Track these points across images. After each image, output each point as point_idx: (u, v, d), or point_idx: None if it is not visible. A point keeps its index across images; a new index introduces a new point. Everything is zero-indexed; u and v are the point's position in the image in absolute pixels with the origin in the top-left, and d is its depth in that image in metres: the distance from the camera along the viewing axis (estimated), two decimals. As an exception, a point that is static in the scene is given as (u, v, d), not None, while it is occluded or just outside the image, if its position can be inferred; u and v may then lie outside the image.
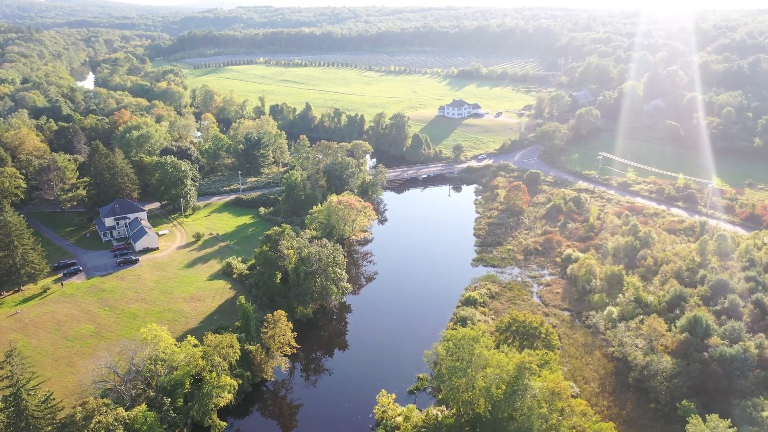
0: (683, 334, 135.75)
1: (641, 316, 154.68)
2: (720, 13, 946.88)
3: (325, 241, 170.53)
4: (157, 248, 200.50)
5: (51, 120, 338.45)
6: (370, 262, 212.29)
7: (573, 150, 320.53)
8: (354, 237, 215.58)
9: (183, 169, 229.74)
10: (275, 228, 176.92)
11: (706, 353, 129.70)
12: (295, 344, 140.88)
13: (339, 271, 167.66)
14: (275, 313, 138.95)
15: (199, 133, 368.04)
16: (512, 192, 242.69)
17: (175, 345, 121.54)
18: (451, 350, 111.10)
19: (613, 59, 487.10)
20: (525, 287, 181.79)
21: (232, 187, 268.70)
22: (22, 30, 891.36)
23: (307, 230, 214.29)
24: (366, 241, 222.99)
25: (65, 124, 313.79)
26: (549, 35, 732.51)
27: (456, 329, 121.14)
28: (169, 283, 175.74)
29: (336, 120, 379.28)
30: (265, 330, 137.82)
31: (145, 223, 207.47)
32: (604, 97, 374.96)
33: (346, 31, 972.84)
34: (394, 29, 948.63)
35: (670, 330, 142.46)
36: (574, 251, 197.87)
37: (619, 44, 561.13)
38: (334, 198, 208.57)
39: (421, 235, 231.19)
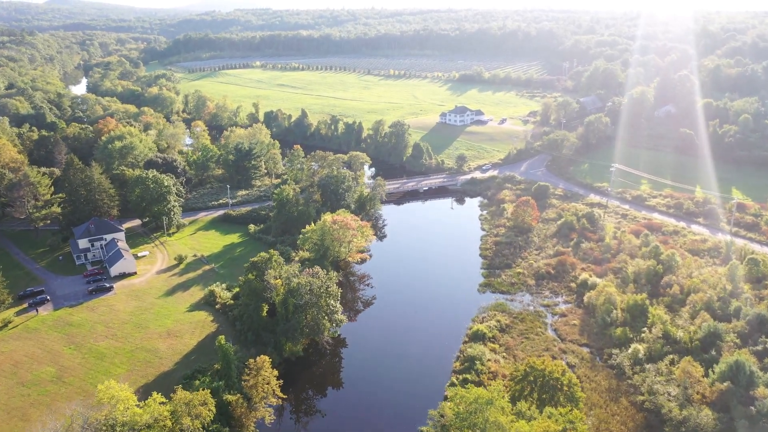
0: (724, 383, 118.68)
1: (671, 356, 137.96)
2: (724, 15, 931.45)
3: (317, 269, 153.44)
4: (135, 273, 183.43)
5: (34, 128, 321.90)
6: (367, 285, 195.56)
7: (582, 160, 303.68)
8: (350, 259, 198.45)
9: (166, 184, 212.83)
10: (262, 254, 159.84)
11: (752, 407, 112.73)
12: (281, 394, 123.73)
13: (333, 303, 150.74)
14: (258, 359, 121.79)
15: (190, 141, 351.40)
16: (520, 207, 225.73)
17: (138, 405, 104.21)
18: (462, 415, 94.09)
19: (620, 63, 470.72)
20: (538, 318, 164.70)
21: (220, 201, 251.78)
22: (15, 33, 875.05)
23: (299, 251, 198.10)
24: (363, 261, 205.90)
25: (46, 133, 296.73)
26: (552, 38, 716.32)
27: (466, 386, 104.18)
28: (145, 315, 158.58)
29: (333, 127, 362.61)
30: (247, 378, 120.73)
31: (122, 244, 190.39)
32: (613, 104, 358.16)
33: (345, 34, 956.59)
34: (394, 32, 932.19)
35: (706, 375, 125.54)
36: (590, 276, 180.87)
37: (625, 47, 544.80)
38: (328, 217, 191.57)
39: (423, 255, 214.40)
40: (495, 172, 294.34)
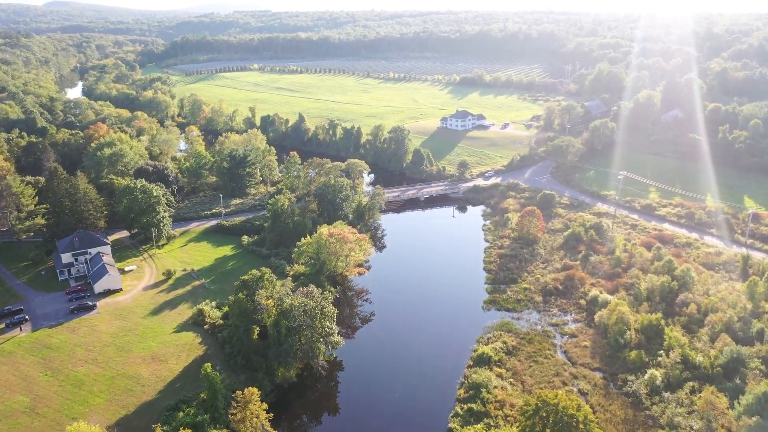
0: (753, 418, 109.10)
1: (691, 383, 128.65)
2: (727, 17, 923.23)
3: (311, 288, 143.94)
4: (120, 290, 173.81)
5: (23, 134, 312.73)
6: (366, 300, 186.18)
7: (587, 166, 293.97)
8: (348, 273, 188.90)
9: (155, 194, 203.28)
10: (253, 272, 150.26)
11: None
12: (270, 429, 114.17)
13: (328, 324, 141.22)
14: (246, 391, 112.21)
15: (185, 146, 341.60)
16: (525, 218, 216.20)
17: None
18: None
19: (623, 66, 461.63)
20: (546, 338, 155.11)
21: (213, 211, 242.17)
22: (11, 35, 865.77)
23: (294, 265, 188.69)
24: (362, 275, 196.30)
25: (35, 140, 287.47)
26: (553, 40, 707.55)
27: (471, 421, 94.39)
28: (128, 337, 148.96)
29: (331, 132, 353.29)
30: (234, 412, 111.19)
31: (107, 259, 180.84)
32: (618, 108, 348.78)
33: (344, 36, 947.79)
34: (393, 34, 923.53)
35: (731, 407, 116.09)
36: (600, 292, 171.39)
37: (628, 50, 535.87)
38: (324, 230, 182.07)
39: (425, 267, 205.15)
40: (498, 180, 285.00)
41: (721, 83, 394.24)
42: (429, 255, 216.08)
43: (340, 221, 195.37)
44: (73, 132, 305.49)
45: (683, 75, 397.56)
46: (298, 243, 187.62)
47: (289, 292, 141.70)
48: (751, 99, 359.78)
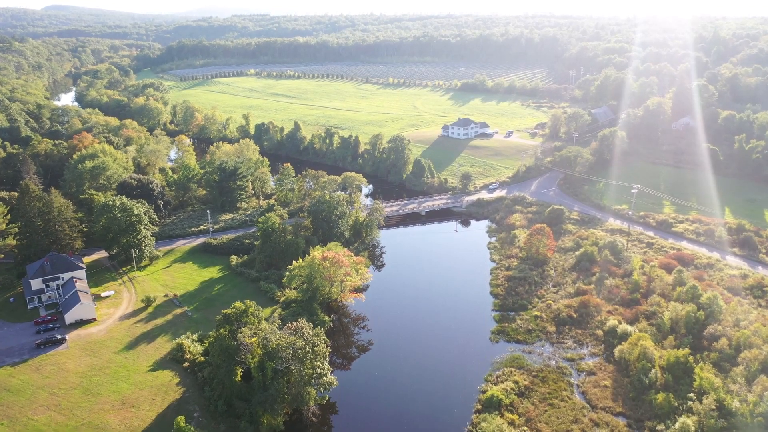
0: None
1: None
2: (732, 20, 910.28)
3: (301, 323, 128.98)
4: (94, 320, 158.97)
5: (6, 144, 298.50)
6: (363, 327, 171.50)
7: (597, 178, 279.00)
8: (343, 299, 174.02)
9: (135, 212, 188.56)
10: (237, 304, 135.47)
11: None
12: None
13: (320, 364, 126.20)
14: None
15: (176, 155, 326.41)
16: (534, 236, 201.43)
17: None
18: None
19: (630, 71, 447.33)
20: (562, 376, 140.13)
21: (201, 227, 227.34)
22: (5, 40, 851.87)
23: (285, 289, 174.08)
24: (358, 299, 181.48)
25: (15, 150, 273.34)
26: (556, 44, 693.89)
27: None
28: (98, 377, 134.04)
29: (327, 141, 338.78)
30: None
31: (81, 285, 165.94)
32: (628, 116, 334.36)
33: (343, 41, 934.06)
34: (393, 38, 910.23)
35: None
36: (619, 322, 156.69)
37: (634, 54, 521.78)
38: (317, 253, 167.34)
39: (426, 289, 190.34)
40: (503, 192, 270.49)
41: (732, 89, 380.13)
42: (431, 275, 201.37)
43: (335, 243, 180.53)
44: (57, 142, 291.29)
45: (692, 81, 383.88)
46: (289, 267, 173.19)
47: (276, 330, 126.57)
48: (765, 106, 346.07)
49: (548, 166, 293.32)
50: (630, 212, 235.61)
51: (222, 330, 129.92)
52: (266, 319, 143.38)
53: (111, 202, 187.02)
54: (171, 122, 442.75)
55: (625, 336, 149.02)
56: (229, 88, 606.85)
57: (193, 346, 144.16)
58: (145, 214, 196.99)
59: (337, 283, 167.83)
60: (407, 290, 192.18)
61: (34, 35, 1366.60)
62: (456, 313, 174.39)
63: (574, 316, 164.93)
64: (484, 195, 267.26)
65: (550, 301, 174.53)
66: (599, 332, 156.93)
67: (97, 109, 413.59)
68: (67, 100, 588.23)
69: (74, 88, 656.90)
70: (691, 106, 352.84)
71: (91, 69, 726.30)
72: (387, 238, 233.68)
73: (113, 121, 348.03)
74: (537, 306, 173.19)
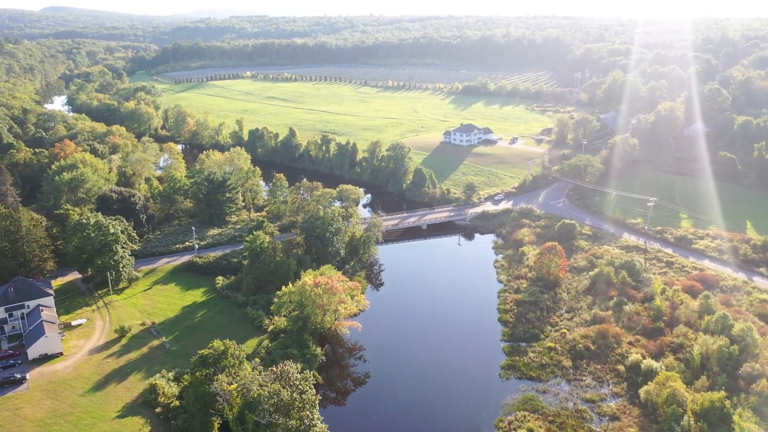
0: None
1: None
2: (736, 21, 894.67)
3: (287, 366, 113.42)
4: (61, 354, 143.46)
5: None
6: (359, 358, 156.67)
7: (608, 189, 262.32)
8: (337, 327, 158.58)
9: (112, 231, 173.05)
10: (215, 344, 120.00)
11: None
12: None
13: (309, 414, 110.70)
14: None
15: (164, 163, 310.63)
16: (545, 255, 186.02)
17: None
18: None
19: (638, 74, 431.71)
20: (582, 422, 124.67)
21: (186, 244, 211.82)
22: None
23: (274, 317, 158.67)
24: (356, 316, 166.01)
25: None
26: (559, 46, 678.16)
27: None
28: (59, 426, 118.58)
29: (324, 148, 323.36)
30: None
31: (48, 314, 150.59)
32: (638, 122, 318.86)
33: (341, 42, 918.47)
34: (392, 40, 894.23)
35: None
36: (643, 356, 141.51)
37: (641, 56, 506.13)
38: (308, 278, 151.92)
39: (428, 313, 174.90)
40: (509, 204, 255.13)
41: (745, 93, 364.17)
42: (433, 298, 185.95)
43: (329, 266, 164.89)
44: (37, 150, 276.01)
45: (704, 84, 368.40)
46: (278, 292, 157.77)
47: (257, 377, 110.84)
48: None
49: (555, 175, 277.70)
50: (646, 227, 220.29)
51: (198, 373, 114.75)
52: (249, 358, 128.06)
53: (84, 220, 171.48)
54: (163, 127, 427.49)
55: (650, 373, 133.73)
56: (225, 91, 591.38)
57: (168, 386, 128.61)
58: (123, 232, 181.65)
59: (330, 312, 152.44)
60: (408, 314, 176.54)
61: (30, 36, 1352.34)
62: (461, 342, 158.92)
63: (592, 348, 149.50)
64: (489, 207, 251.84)
65: (565, 330, 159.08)
66: (621, 367, 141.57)
67: (84, 115, 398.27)
68: (59, 103, 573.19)
69: (66, 91, 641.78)
70: (704, 110, 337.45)
71: (83, 71, 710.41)
72: (386, 254, 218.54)
73: (100, 128, 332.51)
74: (550, 335, 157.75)
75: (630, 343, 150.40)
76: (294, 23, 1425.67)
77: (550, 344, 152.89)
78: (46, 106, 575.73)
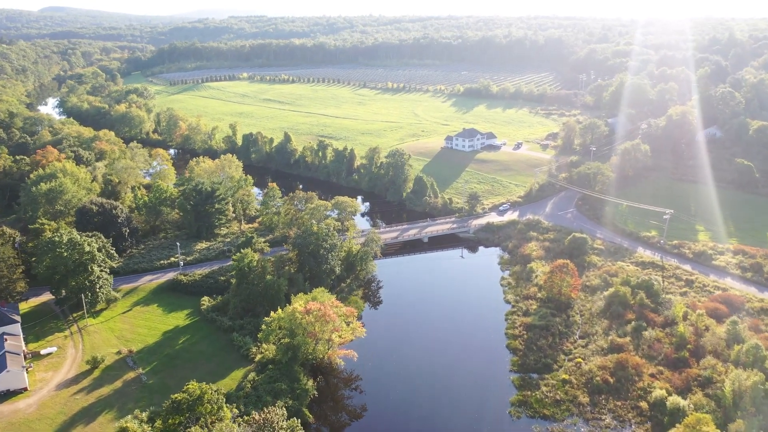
0: None
1: None
2: (742, 21, 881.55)
3: (271, 414, 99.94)
4: (25, 389, 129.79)
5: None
6: (354, 389, 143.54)
7: (619, 198, 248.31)
8: (331, 356, 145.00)
9: (87, 250, 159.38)
10: (190, 387, 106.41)
11: None
12: None
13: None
14: None
15: (153, 169, 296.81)
16: (556, 274, 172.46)
17: None
18: None
19: (646, 76, 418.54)
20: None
21: (172, 259, 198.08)
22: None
23: (263, 344, 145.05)
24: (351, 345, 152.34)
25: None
26: (562, 47, 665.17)
27: None
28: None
29: (320, 154, 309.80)
30: None
31: (12, 343, 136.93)
32: (649, 126, 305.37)
33: (340, 43, 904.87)
34: (392, 40, 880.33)
35: None
36: (668, 392, 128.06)
37: (647, 57, 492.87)
38: (299, 304, 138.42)
39: (430, 340, 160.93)
40: (515, 215, 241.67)
41: (759, 96, 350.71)
42: (435, 319, 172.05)
43: (321, 289, 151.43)
44: (18, 157, 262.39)
45: (714, 87, 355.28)
46: (266, 318, 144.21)
47: (235, 430, 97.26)
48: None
49: (563, 183, 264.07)
50: (662, 241, 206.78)
51: (171, 420, 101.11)
52: (231, 399, 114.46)
53: (57, 238, 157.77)
54: (155, 131, 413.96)
55: (676, 413, 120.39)
56: (220, 93, 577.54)
57: (140, 430, 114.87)
58: (100, 250, 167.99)
59: (323, 342, 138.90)
60: (408, 338, 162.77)
61: (27, 37, 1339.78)
62: (466, 373, 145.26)
63: (611, 381, 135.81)
64: (494, 218, 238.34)
65: (580, 359, 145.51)
66: (643, 404, 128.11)
67: (71, 119, 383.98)
68: (52, 105, 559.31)
69: (57, 93, 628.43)
70: (716, 115, 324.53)
71: (76, 73, 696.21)
72: (385, 269, 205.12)
73: (87, 133, 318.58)
74: (564, 366, 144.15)
75: (652, 375, 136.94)
76: (293, 23, 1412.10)
77: (564, 376, 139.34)
78: (39, 108, 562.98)
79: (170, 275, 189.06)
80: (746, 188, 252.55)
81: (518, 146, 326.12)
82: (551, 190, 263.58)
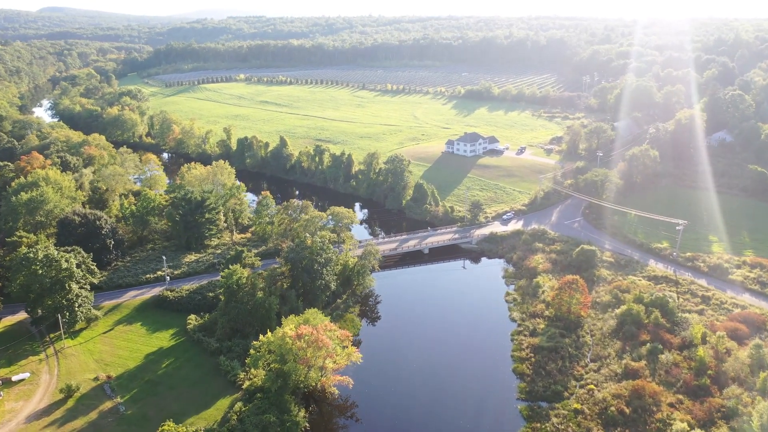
0: None
1: None
2: (745, 21, 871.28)
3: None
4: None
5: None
6: (350, 417, 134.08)
7: (627, 207, 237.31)
8: (324, 384, 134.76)
9: (65, 266, 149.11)
10: (167, 428, 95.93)
11: None
12: None
13: None
14: None
15: (143, 176, 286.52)
16: (565, 291, 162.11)
17: None
18: None
19: (651, 78, 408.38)
20: None
21: (158, 273, 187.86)
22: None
23: (252, 369, 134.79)
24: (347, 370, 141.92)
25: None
26: (564, 47, 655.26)
27: None
28: None
29: (317, 160, 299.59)
30: None
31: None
32: (657, 131, 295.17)
33: (339, 44, 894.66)
34: (392, 41, 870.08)
35: None
36: (690, 426, 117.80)
37: (652, 59, 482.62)
38: (289, 328, 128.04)
39: (431, 362, 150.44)
40: (519, 224, 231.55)
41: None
42: (437, 339, 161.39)
43: (314, 310, 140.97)
44: (2, 164, 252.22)
45: (722, 89, 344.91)
46: (254, 343, 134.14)
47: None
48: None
49: (570, 192, 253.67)
50: (674, 253, 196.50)
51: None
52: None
53: (32, 254, 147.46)
54: (148, 134, 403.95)
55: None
56: (216, 95, 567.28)
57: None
58: (79, 265, 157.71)
59: (315, 368, 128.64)
60: (408, 361, 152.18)
61: (24, 38, 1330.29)
62: (471, 400, 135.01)
63: (627, 411, 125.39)
64: (498, 228, 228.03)
65: (592, 386, 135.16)
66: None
67: (61, 122, 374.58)
68: (46, 107, 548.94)
69: (49, 95, 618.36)
70: (726, 118, 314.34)
71: (70, 74, 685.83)
72: (383, 282, 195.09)
73: (76, 137, 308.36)
74: (575, 393, 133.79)
75: (671, 405, 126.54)
76: (291, 24, 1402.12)
77: (576, 405, 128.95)
78: (33, 110, 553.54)
79: (156, 290, 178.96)
80: (760, 196, 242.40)
81: (521, 151, 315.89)
82: (557, 197, 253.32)
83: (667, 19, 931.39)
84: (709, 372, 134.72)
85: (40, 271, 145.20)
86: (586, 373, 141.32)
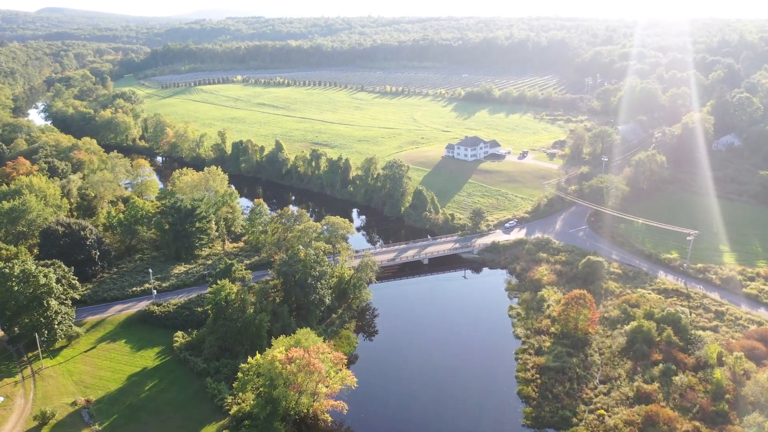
0: None
1: None
2: (747, 22, 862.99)
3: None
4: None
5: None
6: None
7: (634, 215, 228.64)
8: (317, 410, 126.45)
9: (43, 282, 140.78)
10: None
11: None
12: None
13: None
14: None
15: (134, 181, 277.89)
16: (571, 307, 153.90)
17: None
18: None
19: (655, 80, 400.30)
20: None
21: (146, 285, 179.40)
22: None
23: (238, 395, 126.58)
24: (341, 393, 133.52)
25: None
26: (566, 49, 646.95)
27: None
28: None
29: (313, 164, 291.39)
30: None
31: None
32: (663, 135, 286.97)
33: (338, 45, 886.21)
34: (391, 42, 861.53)
35: None
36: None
37: (656, 60, 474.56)
38: (278, 351, 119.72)
39: (430, 382, 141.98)
40: (522, 232, 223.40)
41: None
42: (436, 357, 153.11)
43: (307, 330, 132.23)
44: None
45: (729, 91, 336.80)
46: (242, 366, 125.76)
47: None
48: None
49: (573, 196, 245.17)
50: (685, 264, 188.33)
51: None
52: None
53: (7, 270, 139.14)
54: (141, 138, 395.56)
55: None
56: (213, 96, 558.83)
57: None
58: (60, 280, 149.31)
59: (307, 394, 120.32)
60: (406, 381, 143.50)
61: (21, 38, 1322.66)
62: (473, 426, 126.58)
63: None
64: (500, 236, 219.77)
65: (602, 411, 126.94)
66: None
67: (51, 125, 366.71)
68: (40, 110, 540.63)
69: (43, 97, 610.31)
70: (733, 122, 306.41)
71: (65, 75, 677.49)
72: (381, 294, 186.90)
73: (65, 141, 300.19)
74: (585, 419, 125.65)
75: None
76: (290, 24, 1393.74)
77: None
78: (28, 112, 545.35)
79: (143, 304, 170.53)
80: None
81: (523, 155, 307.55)
82: (561, 204, 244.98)
83: (668, 20, 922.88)
84: (727, 396, 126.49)
85: (16, 288, 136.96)
86: (596, 396, 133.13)
